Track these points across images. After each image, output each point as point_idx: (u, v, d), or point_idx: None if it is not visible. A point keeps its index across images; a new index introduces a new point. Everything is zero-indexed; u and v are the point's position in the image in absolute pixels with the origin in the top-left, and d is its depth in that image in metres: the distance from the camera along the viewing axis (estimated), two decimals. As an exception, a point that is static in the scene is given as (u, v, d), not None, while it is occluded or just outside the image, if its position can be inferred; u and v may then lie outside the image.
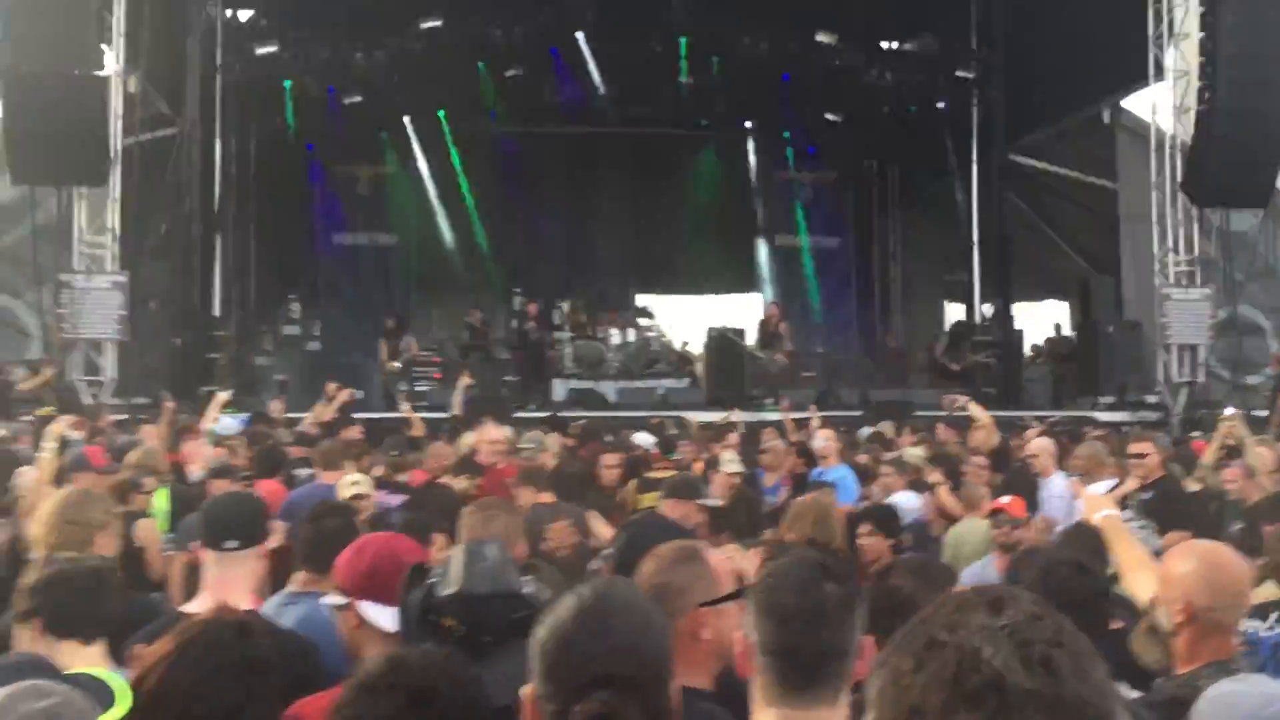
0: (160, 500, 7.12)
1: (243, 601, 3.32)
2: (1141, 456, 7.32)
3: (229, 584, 3.40)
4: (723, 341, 18.64)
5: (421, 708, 1.95)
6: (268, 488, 7.71)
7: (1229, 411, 11.17)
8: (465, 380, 13.11)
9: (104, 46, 15.37)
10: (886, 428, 11.16)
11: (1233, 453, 8.73)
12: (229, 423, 10.68)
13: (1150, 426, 14.84)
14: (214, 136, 18.40)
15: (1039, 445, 8.77)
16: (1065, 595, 3.09)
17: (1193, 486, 8.17)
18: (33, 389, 14.02)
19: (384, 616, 2.91)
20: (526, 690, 1.78)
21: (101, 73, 15.25)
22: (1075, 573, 3.40)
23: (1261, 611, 4.08)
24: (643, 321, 21.91)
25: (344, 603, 3.03)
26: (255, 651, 2.21)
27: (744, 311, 23.93)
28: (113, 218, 15.38)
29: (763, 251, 25.70)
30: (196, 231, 17.00)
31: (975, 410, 9.35)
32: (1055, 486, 7.81)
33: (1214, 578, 2.98)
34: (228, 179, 19.14)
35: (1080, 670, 1.07)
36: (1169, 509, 6.83)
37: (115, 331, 15.12)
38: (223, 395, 10.34)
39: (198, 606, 3.37)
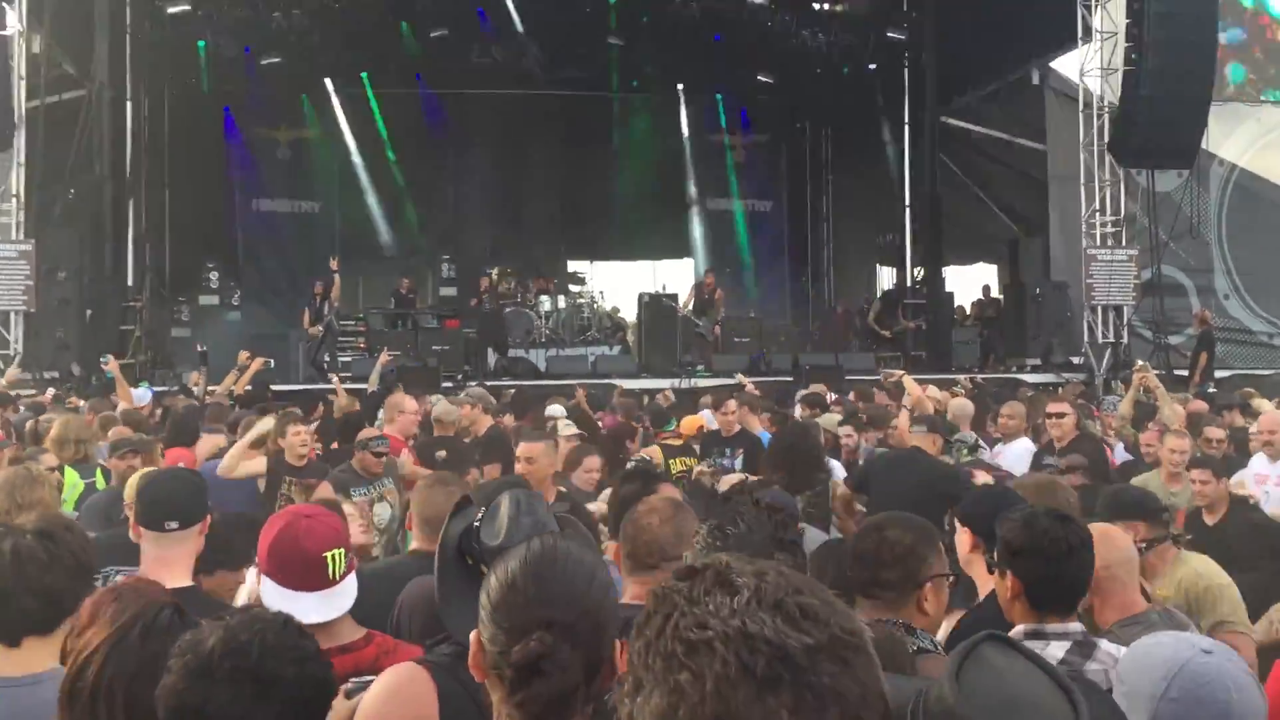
0: (70, 478, 6.86)
1: (181, 579, 3.34)
2: (1060, 416, 7.36)
3: (167, 564, 3.37)
4: (655, 308, 18.46)
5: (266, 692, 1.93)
6: (178, 456, 7.46)
7: (1140, 362, 11.28)
8: (384, 356, 12.76)
9: (4, 5, 14.76)
10: (820, 389, 11.05)
11: (1148, 412, 8.81)
12: (139, 393, 10.35)
13: (1081, 387, 15.01)
14: (124, 99, 17.73)
15: (956, 405, 8.87)
16: None
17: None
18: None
19: (279, 599, 2.83)
20: (474, 634, 1.83)
21: (3, 32, 14.66)
22: None
23: None
24: (573, 288, 21.70)
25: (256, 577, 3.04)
26: (58, 554, 2.28)
27: (676, 276, 23.83)
28: (18, 183, 14.83)
29: (695, 215, 25.52)
30: (107, 197, 16.38)
31: (909, 383, 9.35)
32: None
33: (1105, 544, 3.12)
34: (139, 143, 18.47)
35: (828, 602, 1.07)
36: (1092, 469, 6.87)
37: (22, 302, 14.61)
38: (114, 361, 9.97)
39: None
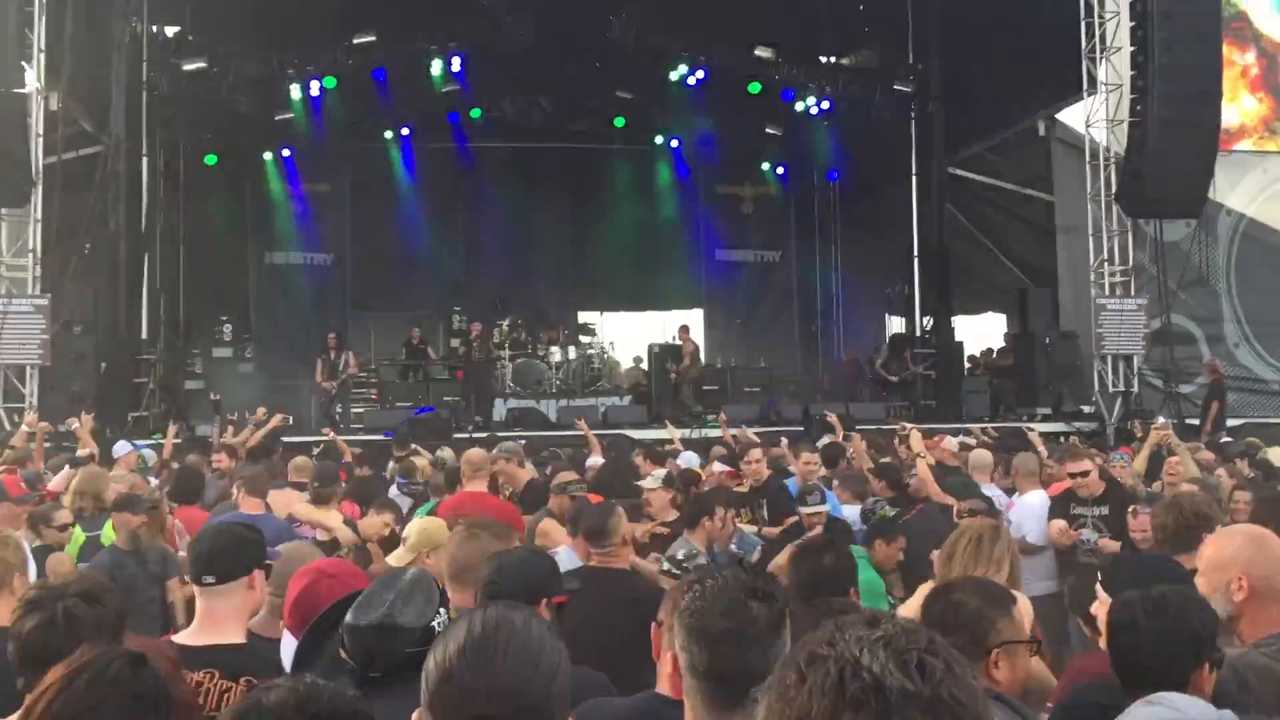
0: (79, 534, 6.91)
1: (230, 634, 3.31)
2: (1084, 475, 7.35)
3: (214, 617, 3.36)
4: (665, 359, 18.53)
5: None
6: (187, 514, 7.48)
7: (1160, 420, 11.29)
8: (276, 420, 12.41)
9: (23, 64, 14.97)
10: (855, 439, 11.01)
11: (1155, 460, 8.80)
12: (120, 447, 10.39)
13: (1087, 437, 14.97)
14: (140, 154, 17.94)
15: (975, 457, 8.87)
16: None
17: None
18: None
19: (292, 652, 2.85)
20: (416, 716, 1.74)
21: (22, 90, 14.86)
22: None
23: None
24: (584, 339, 21.79)
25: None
26: (145, 686, 2.12)
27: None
28: (34, 239, 14.96)
29: (704, 266, 25.64)
30: (122, 252, 16.53)
31: (914, 439, 9.40)
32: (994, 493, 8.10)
33: (1262, 549, 3.21)
34: (154, 198, 18.66)
35: (952, 673, 1.14)
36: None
37: (37, 356, 14.69)
38: (88, 419, 9.98)
39: (187, 637, 3.37)
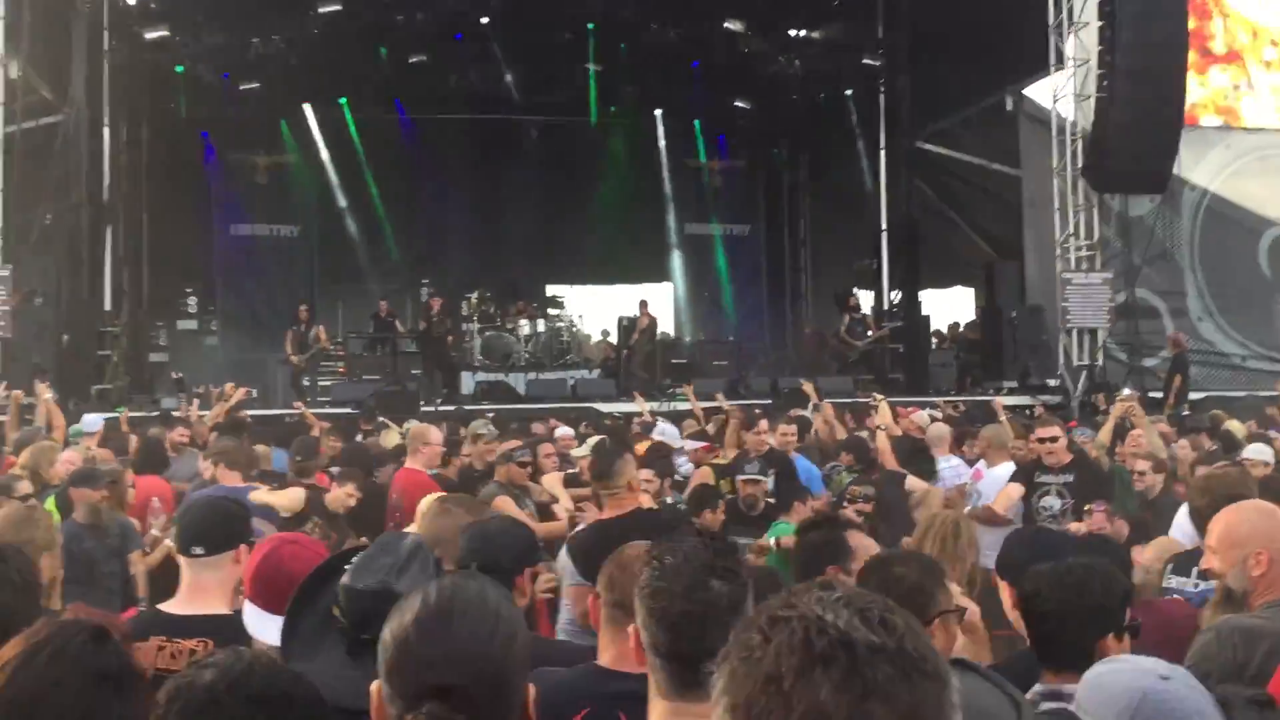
0: (51, 507, 6.80)
1: (217, 605, 3.34)
2: (1054, 440, 7.40)
3: (201, 587, 3.38)
4: (629, 333, 18.52)
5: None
6: (150, 483, 7.43)
7: (1126, 391, 11.41)
8: (240, 394, 12.11)
9: (-20, 32, 14.72)
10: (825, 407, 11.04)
11: (1120, 432, 8.90)
12: (89, 419, 10.28)
13: (1052, 410, 15.11)
14: (102, 124, 17.70)
15: (933, 430, 8.96)
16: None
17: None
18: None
19: (256, 622, 2.88)
20: (374, 687, 1.72)
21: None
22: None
23: (1183, 568, 4.12)
24: (552, 312, 21.75)
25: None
26: (108, 662, 2.06)
27: (656, 300, 23.89)
28: (-7, 208, 14.75)
29: (673, 240, 25.63)
30: (84, 222, 16.32)
31: (883, 410, 9.46)
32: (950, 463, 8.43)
33: (1276, 521, 3.27)
34: (117, 168, 18.43)
35: (913, 630, 1.15)
36: (1097, 489, 7.03)
37: (-1, 328, 14.51)
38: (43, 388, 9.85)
39: (174, 605, 3.40)
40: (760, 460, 7.28)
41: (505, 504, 6.19)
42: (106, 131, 17.97)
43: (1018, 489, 7.24)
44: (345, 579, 2.29)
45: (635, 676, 2.35)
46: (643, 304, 20.41)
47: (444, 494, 4.96)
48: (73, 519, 6.32)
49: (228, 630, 3.13)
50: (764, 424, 8.63)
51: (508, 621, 1.75)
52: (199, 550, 3.38)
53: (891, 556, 3.17)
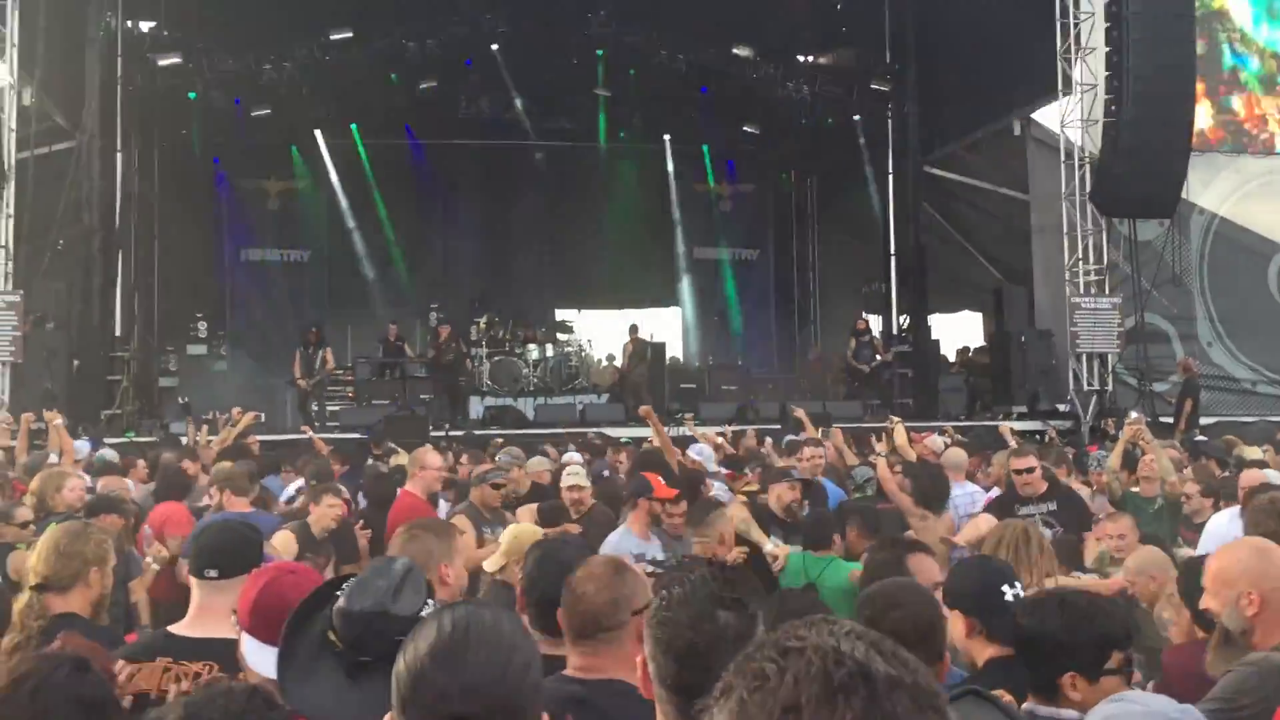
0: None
1: (226, 630, 3.26)
2: (1030, 471, 7.32)
3: (211, 610, 3.37)
4: (638, 357, 18.52)
5: None
6: (171, 510, 7.38)
7: (1134, 415, 11.35)
8: (248, 419, 12.14)
9: (-3, 58, 14.84)
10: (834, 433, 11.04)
11: (1129, 458, 8.84)
12: (79, 445, 10.28)
13: (1062, 435, 15.07)
14: (114, 150, 17.82)
15: (950, 455, 8.91)
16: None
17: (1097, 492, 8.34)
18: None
19: (255, 654, 2.83)
20: (388, 718, 1.73)
21: (-5, 84, 14.74)
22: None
23: None
24: (561, 336, 21.77)
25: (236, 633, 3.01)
26: (89, 691, 2.14)
27: (664, 325, 23.98)
28: (6, 234, 14.83)
29: (682, 265, 25.67)
30: (95, 248, 16.40)
31: (898, 435, 9.42)
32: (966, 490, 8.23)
33: (1266, 560, 3.26)
34: (129, 194, 18.53)
35: (922, 668, 1.14)
36: (1079, 515, 6.99)
37: (9, 353, 14.56)
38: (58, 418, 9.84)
39: (183, 628, 3.38)
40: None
41: (464, 524, 6.11)
42: (119, 157, 18.07)
43: (987, 520, 7.06)
44: (340, 603, 2.31)
45: (585, 680, 2.68)
46: (633, 328, 20.55)
47: (415, 520, 4.99)
48: None
49: (234, 655, 3.15)
50: (806, 450, 8.65)
51: (522, 651, 1.77)
52: (213, 573, 3.39)
53: (894, 598, 3.14)
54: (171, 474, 8.45)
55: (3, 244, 14.82)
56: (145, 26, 19.34)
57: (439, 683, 1.68)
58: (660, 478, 6.73)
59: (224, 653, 3.16)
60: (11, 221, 14.86)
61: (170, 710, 1.87)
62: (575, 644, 2.84)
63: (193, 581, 3.46)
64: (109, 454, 9.86)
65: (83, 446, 10.33)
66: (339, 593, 2.36)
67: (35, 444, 10.51)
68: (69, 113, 16.73)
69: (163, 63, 18.96)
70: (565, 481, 7.39)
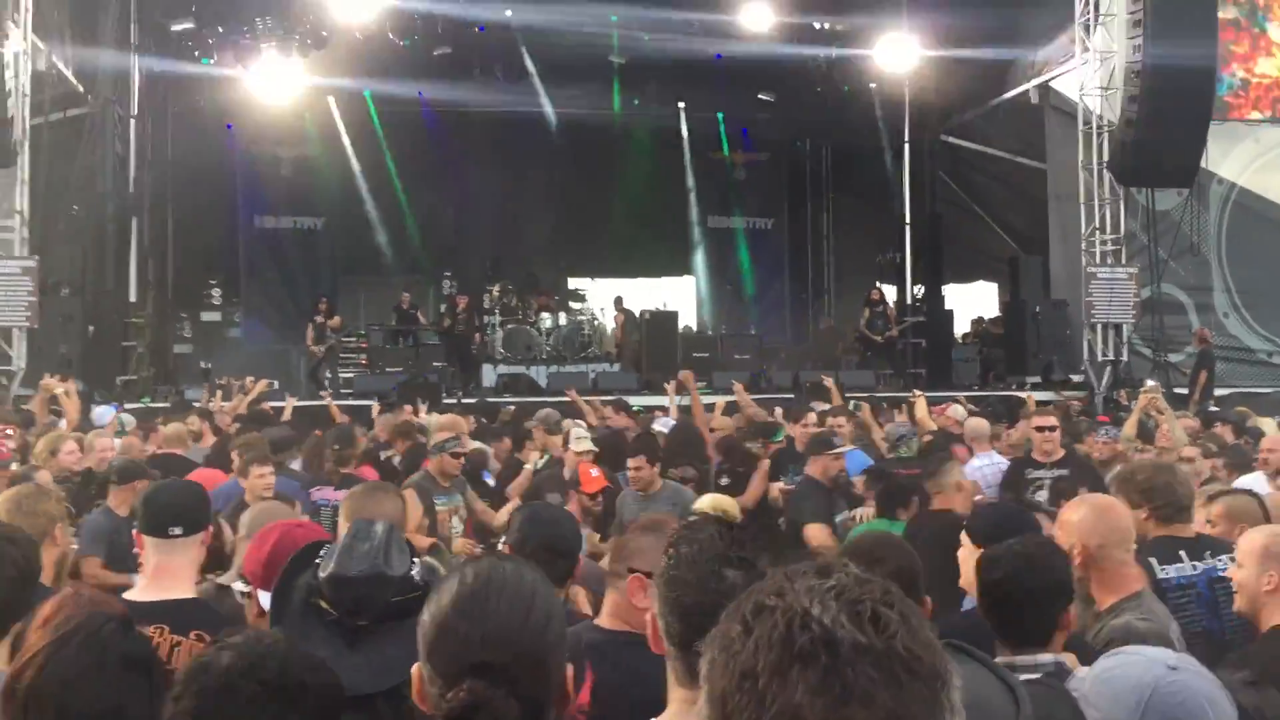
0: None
1: (183, 588, 3.35)
2: (1050, 430, 7.33)
3: (171, 571, 3.37)
4: (656, 324, 18.51)
5: (279, 703, 1.85)
6: (213, 475, 7.37)
7: (1150, 384, 11.30)
8: (261, 386, 12.42)
9: (10, 23, 14.81)
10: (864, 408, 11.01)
11: (1143, 428, 8.80)
12: (101, 411, 10.36)
13: (1077, 406, 15.00)
14: (129, 116, 17.81)
15: (972, 425, 8.87)
16: None
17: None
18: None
19: None
20: (416, 668, 1.78)
21: (7, 50, 14.70)
22: None
23: (1169, 555, 4.12)
24: (574, 305, 21.77)
25: (247, 590, 3.05)
26: (135, 648, 2.15)
27: (678, 293, 23.95)
28: (21, 200, 14.86)
29: (696, 233, 25.58)
30: (110, 213, 16.43)
31: (920, 408, 9.41)
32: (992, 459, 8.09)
33: (1100, 519, 3.46)
34: (143, 159, 18.54)
35: (909, 626, 1.07)
36: (1090, 484, 6.87)
37: (25, 319, 14.63)
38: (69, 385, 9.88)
39: (138, 592, 3.37)
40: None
41: (410, 499, 6.05)
42: (133, 123, 18.07)
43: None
44: (331, 569, 2.29)
45: (605, 630, 2.89)
46: (617, 300, 20.63)
47: (365, 484, 5.17)
48: (109, 509, 6.32)
49: (185, 616, 3.19)
50: (811, 416, 8.65)
51: (544, 599, 1.81)
52: (177, 530, 3.38)
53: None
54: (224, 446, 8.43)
55: (18, 209, 14.86)
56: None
57: (462, 631, 1.72)
58: (591, 470, 6.82)
59: (176, 614, 3.18)
60: (27, 187, 14.89)
61: (219, 653, 1.85)
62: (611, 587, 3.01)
63: (148, 541, 3.42)
64: (127, 420, 9.92)
65: (106, 412, 10.39)
66: (318, 560, 2.35)
67: (54, 409, 10.60)
68: (84, 78, 16.72)
69: (176, 28, 18.90)
70: (574, 447, 7.45)
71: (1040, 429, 7.38)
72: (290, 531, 3.12)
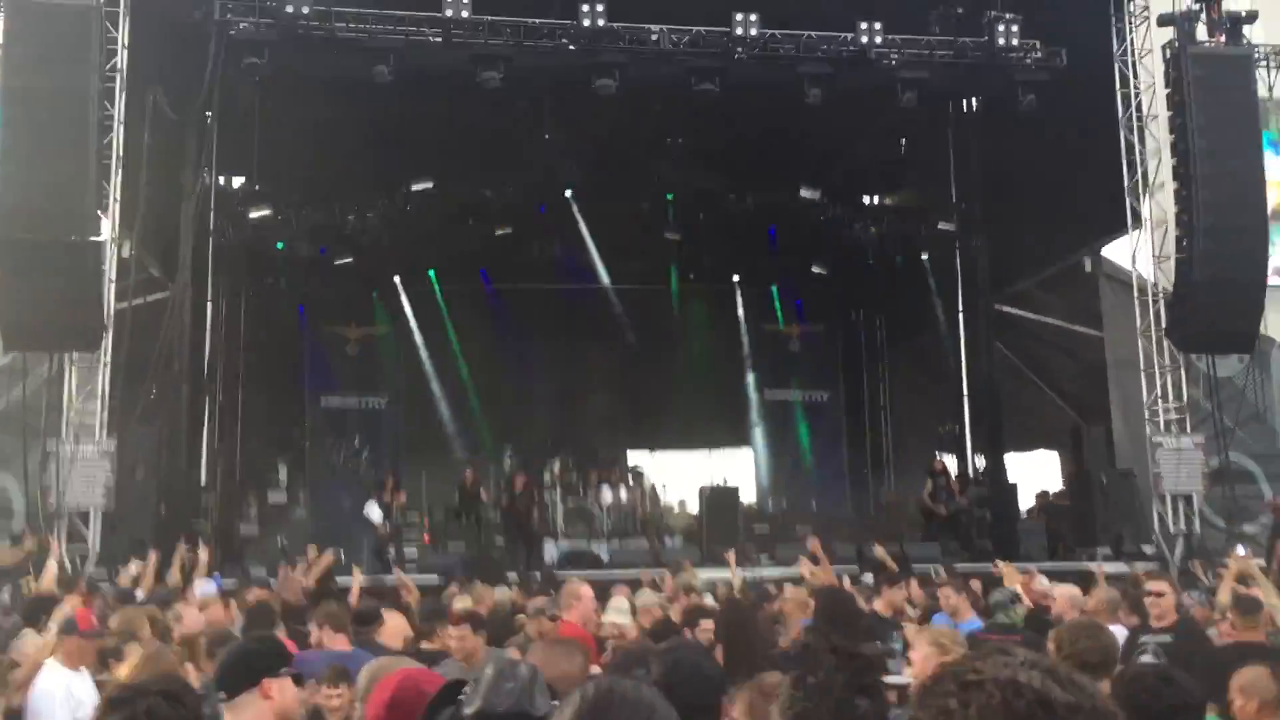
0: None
1: None
2: (1160, 595, 7.22)
3: None
4: (717, 499, 18.48)
5: None
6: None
7: (1239, 551, 11.04)
8: (327, 559, 12.50)
9: (99, 213, 15.51)
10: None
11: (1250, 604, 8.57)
12: (206, 585, 10.49)
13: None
14: (205, 300, 18.48)
15: (1062, 594, 8.74)
16: None
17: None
18: (15, 562, 13.66)
19: None
20: None
21: (98, 239, 15.34)
22: None
23: None
24: (633, 481, 21.82)
25: None
26: (185, 716, 2.28)
27: (736, 466, 23.92)
28: (103, 383, 15.30)
29: (754, 405, 25.67)
30: (185, 396, 16.88)
31: (1008, 572, 9.32)
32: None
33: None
34: (217, 341, 19.15)
35: (1096, 690, 1.20)
36: (1191, 653, 6.67)
37: (102, 501, 14.87)
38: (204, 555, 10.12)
39: None
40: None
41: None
42: (209, 307, 18.71)
43: None
44: (477, 705, 2.33)
45: None
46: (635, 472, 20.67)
47: (560, 638, 5.22)
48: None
49: None
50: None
51: (662, 712, 1.85)
52: (221, 696, 3.47)
53: None
54: (258, 609, 8.54)
55: (100, 393, 15.29)
56: (237, 181, 20.28)
57: None
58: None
59: None
60: (108, 370, 15.35)
61: None
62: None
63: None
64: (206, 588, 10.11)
65: (211, 585, 10.59)
66: (461, 696, 2.40)
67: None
68: (164, 264, 17.41)
69: (253, 215, 19.76)
70: (608, 617, 7.35)
71: (1150, 594, 7.32)
72: (412, 675, 3.18)
